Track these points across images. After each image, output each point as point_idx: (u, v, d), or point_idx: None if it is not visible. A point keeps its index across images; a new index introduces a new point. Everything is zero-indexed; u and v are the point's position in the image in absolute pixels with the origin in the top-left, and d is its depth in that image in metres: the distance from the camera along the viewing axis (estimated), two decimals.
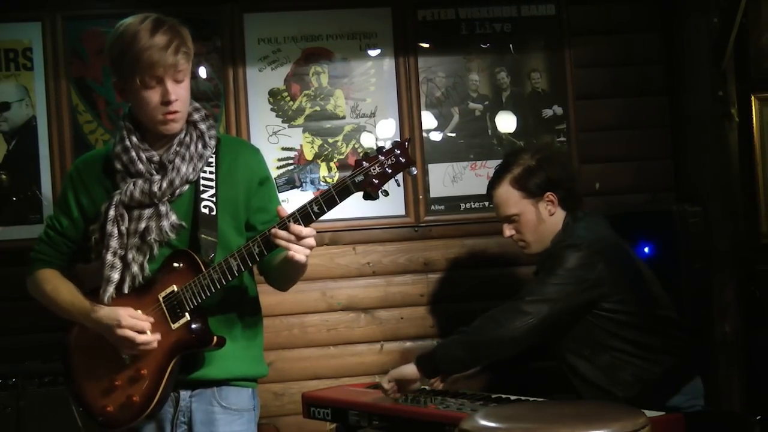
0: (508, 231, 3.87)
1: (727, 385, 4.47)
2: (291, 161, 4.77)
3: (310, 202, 2.84)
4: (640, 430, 2.56)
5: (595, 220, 3.77)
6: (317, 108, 4.81)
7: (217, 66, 4.74)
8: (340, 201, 2.83)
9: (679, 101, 4.93)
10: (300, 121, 4.79)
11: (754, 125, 4.85)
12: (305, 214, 2.84)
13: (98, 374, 3.07)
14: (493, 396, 3.58)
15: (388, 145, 2.83)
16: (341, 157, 4.80)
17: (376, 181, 2.79)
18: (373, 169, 2.79)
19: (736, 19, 4.40)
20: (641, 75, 5.01)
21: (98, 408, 3.06)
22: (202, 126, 3.09)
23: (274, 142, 4.76)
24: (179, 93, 2.96)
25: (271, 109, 4.78)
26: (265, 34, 4.79)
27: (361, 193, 2.82)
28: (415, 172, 2.86)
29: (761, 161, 4.85)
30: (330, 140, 4.80)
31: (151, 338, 2.96)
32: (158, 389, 2.97)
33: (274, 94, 4.78)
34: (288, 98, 4.79)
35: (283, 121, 4.78)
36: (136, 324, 2.94)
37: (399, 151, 2.80)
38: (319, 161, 4.79)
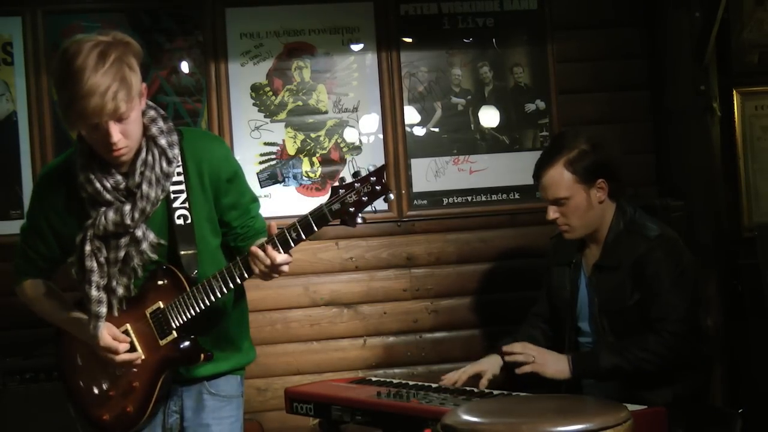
0: (553, 214, 3.70)
1: (709, 379, 4.49)
2: (273, 156, 4.76)
3: (288, 229, 2.83)
4: (623, 424, 2.57)
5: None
6: (300, 103, 4.80)
7: (199, 61, 4.72)
8: (318, 229, 2.82)
9: (662, 96, 4.94)
10: (282, 115, 4.78)
11: (736, 119, 4.86)
12: (284, 240, 2.83)
13: (95, 383, 3.08)
14: (476, 390, 3.57)
15: (364, 171, 2.80)
16: (324, 152, 4.79)
17: (352, 210, 2.77)
18: (349, 198, 2.77)
19: (718, 14, 4.42)
20: (623, 69, 5.02)
21: (95, 416, 3.09)
22: (162, 141, 2.94)
23: (256, 137, 4.75)
24: (125, 130, 2.81)
25: (254, 104, 4.76)
26: (247, 29, 4.78)
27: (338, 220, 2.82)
28: (392, 198, 2.88)
29: (743, 155, 4.87)
30: (312, 135, 4.79)
31: (128, 357, 2.97)
32: (150, 402, 3.01)
33: (256, 89, 4.77)
34: (270, 93, 4.78)
35: (265, 116, 4.77)
36: (112, 345, 2.95)
37: (375, 179, 2.78)
38: (301, 156, 4.78)
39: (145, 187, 2.91)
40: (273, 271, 2.85)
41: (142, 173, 2.91)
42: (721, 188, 4.72)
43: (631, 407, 2.88)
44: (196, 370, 3.07)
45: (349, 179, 2.81)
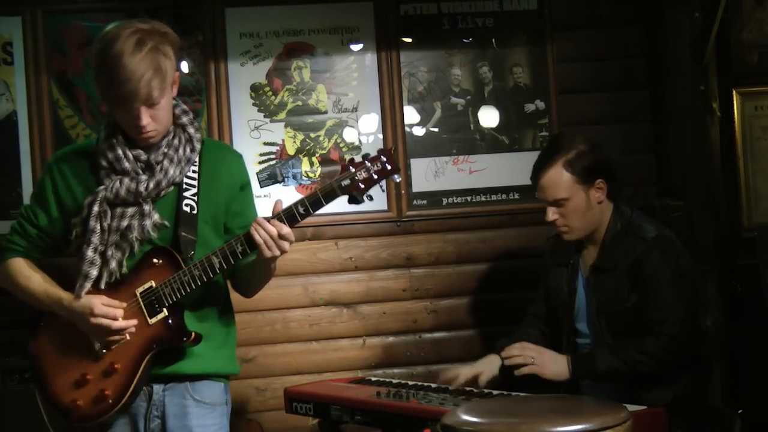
0: (552, 215, 3.70)
1: (709, 379, 4.49)
2: (273, 156, 4.76)
3: (296, 204, 2.92)
4: (622, 425, 2.57)
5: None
6: (299, 103, 4.80)
7: (199, 60, 4.72)
8: (326, 204, 2.93)
9: (661, 96, 4.94)
10: (282, 115, 4.78)
11: (736, 119, 4.86)
12: (290, 215, 2.93)
13: (68, 368, 3.07)
14: (476, 391, 3.58)
15: (373, 152, 2.91)
16: (323, 152, 4.78)
17: (362, 186, 2.88)
18: (359, 174, 2.88)
19: (717, 14, 4.41)
20: (623, 69, 5.01)
21: (67, 402, 3.06)
22: (191, 129, 3.12)
23: (256, 137, 4.75)
24: (155, 115, 2.96)
25: (253, 104, 4.76)
26: (246, 29, 4.77)
27: (346, 196, 2.91)
28: (399, 180, 3.04)
29: (743, 155, 4.87)
30: (312, 135, 4.79)
31: (126, 324, 2.98)
32: (131, 383, 2.99)
33: (255, 89, 4.77)
34: (270, 93, 4.78)
35: (264, 116, 4.77)
36: (109, 311, 2.96)
37: (385, 158, 2.90)
38: (301, 156, 4.78)
39: (166, 163, 3.04)
40: (278, 241, 2.91)
41: (165, 153, 3.04)
42: (720, 188, 4.71)
43: (631, 407, 2.88)
44: (178, 366, 3.07)
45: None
